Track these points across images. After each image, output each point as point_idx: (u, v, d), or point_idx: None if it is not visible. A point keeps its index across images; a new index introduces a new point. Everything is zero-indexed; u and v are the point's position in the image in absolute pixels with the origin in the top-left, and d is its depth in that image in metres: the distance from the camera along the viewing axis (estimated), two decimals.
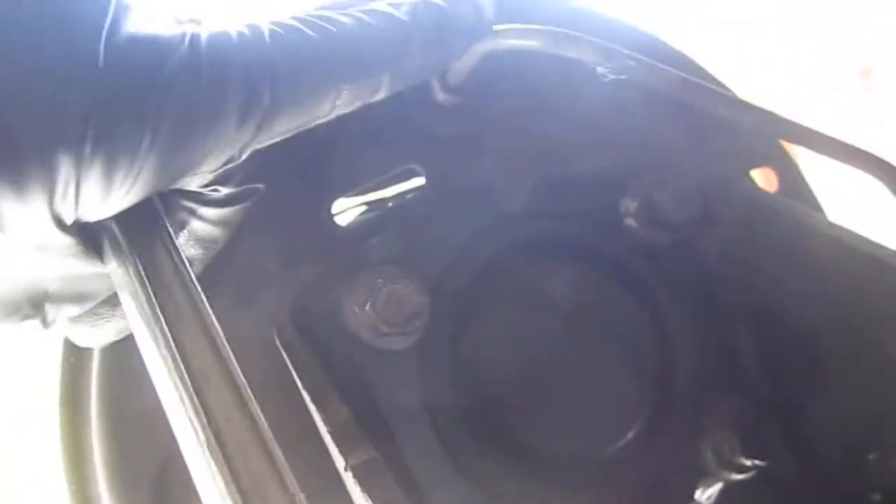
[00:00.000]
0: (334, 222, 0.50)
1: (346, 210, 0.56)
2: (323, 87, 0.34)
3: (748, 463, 0.52)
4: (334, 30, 0.35)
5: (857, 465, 0.47)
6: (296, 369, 0.43)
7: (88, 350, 0.45)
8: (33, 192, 0.27)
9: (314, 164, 0.48)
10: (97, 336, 0.39)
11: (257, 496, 0.27)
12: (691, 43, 0.59)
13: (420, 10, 0.38)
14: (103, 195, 0.29)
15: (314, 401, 0.40)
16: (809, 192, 0.61)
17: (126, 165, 0.29)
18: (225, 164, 0.33)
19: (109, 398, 0.44)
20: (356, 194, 0.53)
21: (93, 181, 0.28)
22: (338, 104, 0.36)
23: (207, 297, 0.32)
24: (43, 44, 0.27)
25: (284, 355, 0.44)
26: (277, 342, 0.45)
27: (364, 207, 0.58)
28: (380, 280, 0.45)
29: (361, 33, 0.36)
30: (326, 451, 0.43)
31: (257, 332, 0.46)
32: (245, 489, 0.27)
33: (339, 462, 0.38)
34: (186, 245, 0.37)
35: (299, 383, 0.43)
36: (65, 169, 0.27)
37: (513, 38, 0.42)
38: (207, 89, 0.30)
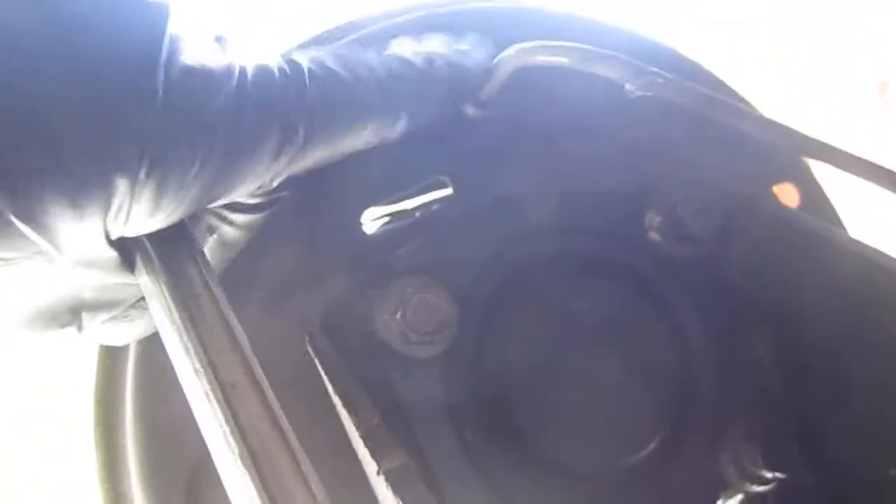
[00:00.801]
0: (363, 231, 0.51)
1: (373, 220, 0.57)
2: (351, 128, 0.38)
3: (769, 475, 0.52)
4: (366, 74, 0.39)
5: (879, 481, 0.48)
6: (327, 374, 0.44)
7: (125, 353, 0.46)
8: (91, 213, 0.29)
9: (343, 174, 0.49)
10: (124, 335, 0.41)
11: (285, 501, 0.28)
12: (684, 42, 0.60)
13: (437, 63, 0.43)
14: (150, 215, 0.32)
15: (346, 406, 0.41)
16: (830, 208, 0.61)
17: (174, 190, 0.31)
18: (256, 188, 0.36)
19: (145, 400, 0.45)
20: (384, 204, 0.54)
21: (143, 203, 0.31)
22: (359, 143, 0.40)
23: (235, 305, 0.34)
24: (105, 75, 0.28)
25: (316, 361, 0.45)
26: (309, 348, 0.46)
27: (388, 217, 0.59)
28: (410, 289, 0.46)
29: (389, 81, 0.40)
30: (353, 456, 0.44)
31: (286, 337, 0.47)
32: (273, 495, 0.28)
33: (371, 467, 0.38)
34: (213, 248, 0.40)
35: (330, 388, 0.43)
36: (120, 191, 0.29)
37: (543, 55, 0.43)
38: (251, 125, 0.33)
